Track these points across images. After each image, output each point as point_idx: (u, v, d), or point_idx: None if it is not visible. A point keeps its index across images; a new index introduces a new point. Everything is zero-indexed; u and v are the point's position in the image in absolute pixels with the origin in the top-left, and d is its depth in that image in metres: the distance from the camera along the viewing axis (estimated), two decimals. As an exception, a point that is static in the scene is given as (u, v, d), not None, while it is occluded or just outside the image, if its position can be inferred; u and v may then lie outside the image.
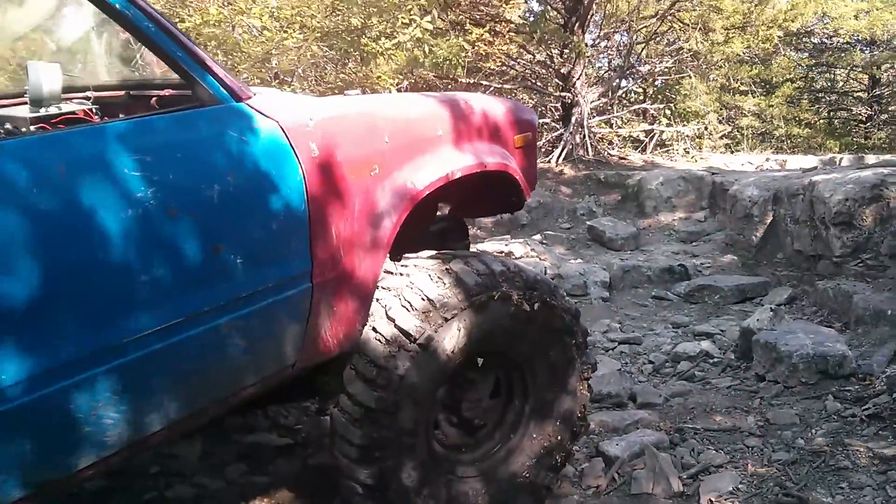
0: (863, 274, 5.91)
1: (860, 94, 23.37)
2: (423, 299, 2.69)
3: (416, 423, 2.73)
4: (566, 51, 11.54)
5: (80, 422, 1.97)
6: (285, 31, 9.04)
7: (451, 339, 2.73)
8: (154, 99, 2.89)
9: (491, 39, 10.55)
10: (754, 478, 3.50)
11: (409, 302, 2.69)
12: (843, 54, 20.84)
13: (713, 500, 3.32)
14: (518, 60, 12.34)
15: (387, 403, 2.63)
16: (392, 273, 2.86)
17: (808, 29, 15.82)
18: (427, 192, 2.84)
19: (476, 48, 10.41)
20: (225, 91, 2.33)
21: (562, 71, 11.68)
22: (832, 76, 23.28)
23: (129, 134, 2.07)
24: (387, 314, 2.70)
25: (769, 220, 7.60)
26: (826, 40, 19.22)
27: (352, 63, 11.63)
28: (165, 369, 2.15)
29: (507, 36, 11.12)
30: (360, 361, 2.67)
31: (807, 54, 20.62)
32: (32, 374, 1.84)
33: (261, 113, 2.39)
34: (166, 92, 2.88)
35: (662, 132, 13.25)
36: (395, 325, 2.66)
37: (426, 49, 9.31)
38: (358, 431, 2.66)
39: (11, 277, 1.79)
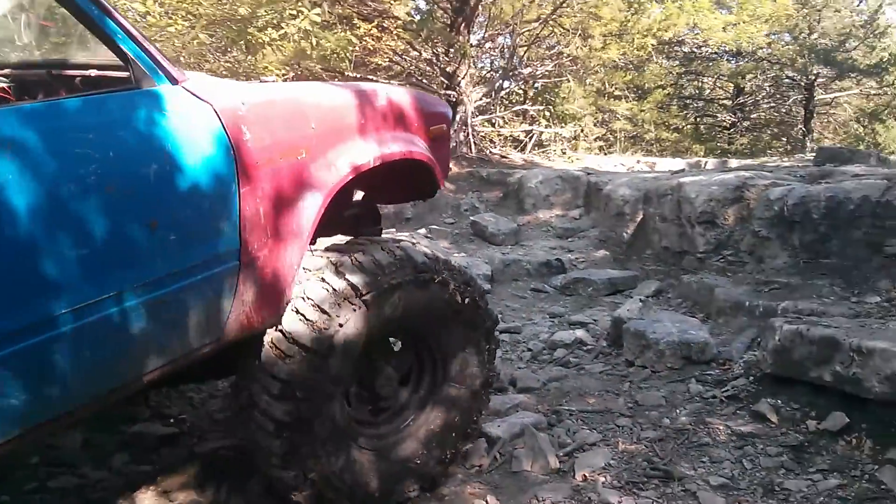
0: (724, 269, 6.34)
1: (725, 101, 24.74)
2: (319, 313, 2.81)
3: (332, 390, 2.88)
4: (452, 50, 11.72)
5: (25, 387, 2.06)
6: (170, 18, 8.80)
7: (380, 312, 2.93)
8: (79, 79, 2.88)
9: (378, 35, 10.62)
10: (625, 454, 3.73)
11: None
12: (710, 64, 22.03)
13: (587, 475, 3.52)
14: (404, 57, 12.44)
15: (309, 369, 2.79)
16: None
17: (680, 39, 16.62)
18: (351, 177, 2.96)
19: (363, 43, 10.45)
20: (161, 73, 2.39)
21: (447, 70, 11.86)
22: (700, 84, 24.54)
23: (70, 113, 2.17)
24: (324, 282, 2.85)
25: (639, 219, 8.00)
26: (696, 50, 20.21)
27: (236, 52, 11.44)
28: (94, 344, 2.20)
29: (394, 32, 11.21)
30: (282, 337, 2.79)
31: (677, 63, 21.65)
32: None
33: (195, 96, 2.46)
34: (91, 72, 2.89)
35: (541, 133, 13.65)
36: (332, 293, 2.82)
37: (313, 41, 9.29)
38: (279, 406, 2.78)
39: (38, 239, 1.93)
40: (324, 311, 2.79)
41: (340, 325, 2.81)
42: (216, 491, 3.23)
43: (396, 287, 2.95)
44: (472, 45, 12.02)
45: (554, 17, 12.34)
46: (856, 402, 3.70)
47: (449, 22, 11.82)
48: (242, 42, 10.86)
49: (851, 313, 4.46)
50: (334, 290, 2.83)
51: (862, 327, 3.97)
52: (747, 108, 23.91)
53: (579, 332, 5.65)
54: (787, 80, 23.67)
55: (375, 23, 10.53)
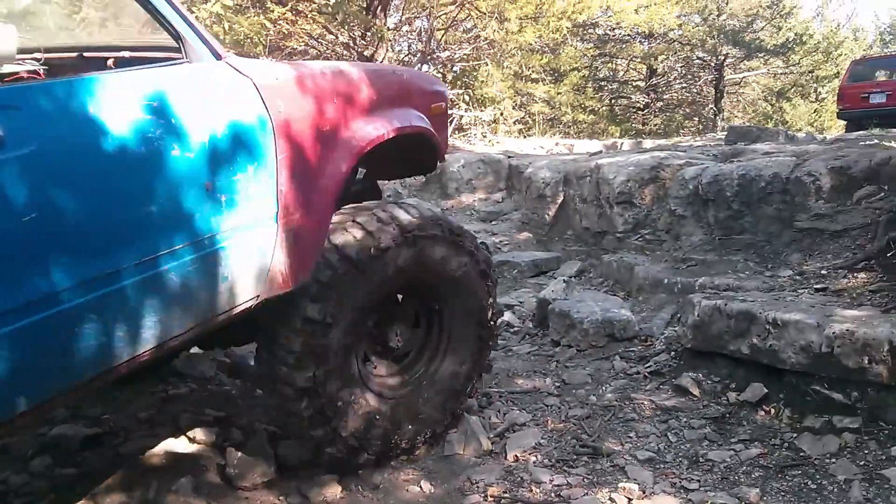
0: (642, 247, 6.50)
1: (639, 83, 25.26)
2: (364, 232, 3.13)
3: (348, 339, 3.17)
4: (369, 34, 11.63)
5: (122, 321, 2.32)
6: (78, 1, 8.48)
7: (386, 266, 3.18)
8: (111, 60, 3.03)
9: (293, 19, 10.45)
10: (554, 433, 3.79)
11: (353, 235, 3.11)
12: (623, 46, 22.44)
13: (518, 455, 3.57)
14: (320, 41, 12.28)
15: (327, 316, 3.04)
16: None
17: (594, 21, 16.89)
18: (369, 148, 3.24)
19: (278, 27, 10.26)
20: (208, 50, 2.66)
21: (364, 53, 11.76)
22: (614, 66, 24.99)
23: (173, 75, 2.53)
24: (335, 245, 3.08)
25: (560, 200, 8.12)
26: (609, 32, 20.55)
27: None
28: (183, 283, 2.49)
29: (309, 16, 11.04)
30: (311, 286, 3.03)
31: (591, 45, 21.97)
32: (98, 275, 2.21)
33: (237, 70, 2.75)
34: (124, 54, 3.05)
35: (461, 117, 13.67)
36: (340, 254, 3.07)
37: (226, 26, 9.08)
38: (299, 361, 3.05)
39: (16, 219, 2.00)
40: (349, 259, 3.07)
41: (381, 250, 3.14)
42: (145, 491, 3.15)
43: (432, 238, 3.33)
44: (389, 29, 11.94)
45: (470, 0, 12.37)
46: (773, 372, 3.84)
47: (365, 5, 11.71)
48: (152, 28, 10.55)
49: (766, 287, 4.63)
50: (357, 238, 3.10)
51: (776, 300, 4.12)
52: (660, 89, 24.48)
53: (506, 315, 5.69)
54: (697, 61, 24.35)
55: (290, 6, 10.35)
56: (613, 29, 19.53)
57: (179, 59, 2.60)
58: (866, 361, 3.43)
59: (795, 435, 3.52)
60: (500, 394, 4.29)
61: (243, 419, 3.81)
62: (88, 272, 2.19)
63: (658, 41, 21.92)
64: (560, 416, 3.97)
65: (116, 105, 2.27)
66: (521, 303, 6.03)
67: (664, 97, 24.87)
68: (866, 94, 15.84)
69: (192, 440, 3.53)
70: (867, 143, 7.21)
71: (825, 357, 3.56)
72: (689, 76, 24.93)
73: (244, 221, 2.69)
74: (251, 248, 2.76)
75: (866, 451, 3.31)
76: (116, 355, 2.35)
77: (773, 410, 3.74)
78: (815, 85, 26.49)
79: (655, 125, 23.72)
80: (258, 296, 2.86)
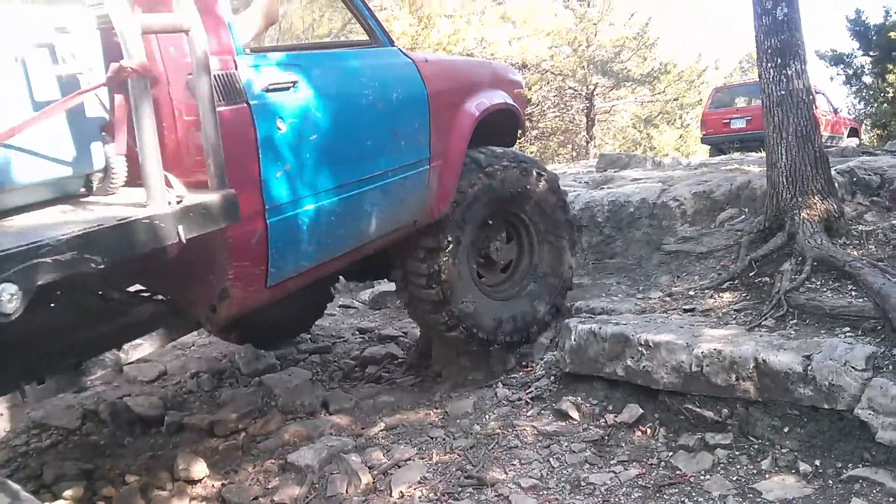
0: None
1: (514, 112, 25.73)
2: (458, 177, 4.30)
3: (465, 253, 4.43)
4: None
5: (338, 222, 3.48)
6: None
7: (476, 198, 4.42)
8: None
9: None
10: (439, 465, 3.77)
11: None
12: (498, 76, 22.85)
13: (404, 491, 3.53)
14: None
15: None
16: None
17: (469, 52, 17.18)
18: (482, 116, 4.42)
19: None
20: (386, 39, 4.00)
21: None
22: (490, 96, 25.36)
23: (373, 55, 3.91)
24: None
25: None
26: (484, 63, 20.86)
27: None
28: (381, 200, 3.73)
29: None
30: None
31: (468, 75, 22.24)
32: (331, 186, 3.38)
33: (403, 53, 4.10)
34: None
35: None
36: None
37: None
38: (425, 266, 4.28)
39: (344, 137, 3.44)
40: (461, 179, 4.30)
41: (471, 186, 4.37)
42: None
43: (503, 168, 4.49)
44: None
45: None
46: (648, 393, 3.96)
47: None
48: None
49: (638, 309, 4.77)
50: (464, 163, 4.31)
51: (648, 322, 4.25)
52: (535, 118, 25.08)
53: (390, 347, 5.67)
54: (569, 91, 25.10)
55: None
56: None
57: (373, 45, 3.97)
58: (734, 379, 3.57)
59: (671, 453, 3.62)
60: (384, 429, 4.24)
61: (114, 470, 3.63)
62: (348, 176, 3.48)
63: (531, 71, 22.51)
64: (445, 448, 3.95)
65: (348, 67, 3.67)
66: (404, 333, 6.02)
67: (539, 125, 25.51)
68: (727, 120, 16.71)
69: (56, 497, 3.33)
70: (728, 167, 7.59)
71: (695, 376, 3.69)
72: (562, 105, 25.66)
73: (412, 161, 3.92)
74: (417, 182, 3.96)
75: (738, 466, 3.44)
76: (361, 237, 3.67)
77: (649, 430, 3.85)
78: (679, 112, 27.77)
79: (531, 153, 24.29)
80: (417, 220, 4.08)
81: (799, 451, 3.40)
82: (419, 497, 3.47)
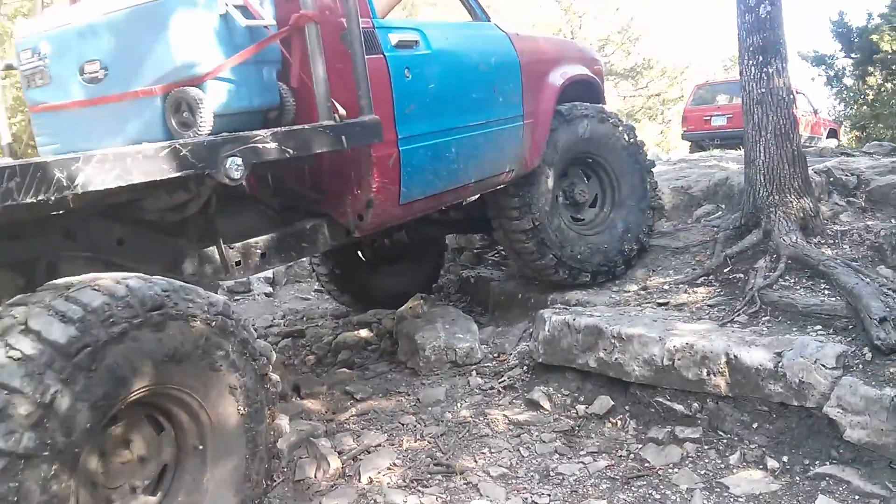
0: (498, 263, 6.59)
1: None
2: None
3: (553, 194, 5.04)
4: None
5: (451, 158, 4.15)
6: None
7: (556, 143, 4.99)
8: None
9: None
10: (409, 452, 3.76)
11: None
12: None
13: (372, 477, 3.51)
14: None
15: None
16: None
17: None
18: (566, 83, 5.04)
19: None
20: (485, 15, 4.70)
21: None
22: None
23: (474, 27, 4.65)
24: None
25: (420, 216, 8.13)
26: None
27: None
28: (484, 145, 4.35)
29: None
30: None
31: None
32: (445, 127, 4.09)
33: (498, 27, 4.72)
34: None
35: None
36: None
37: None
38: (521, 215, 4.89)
39: (454, 88, 4.17)
40: None
41: (553, 131, 4.94)
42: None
43: (583, 117, 5.09)
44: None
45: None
46: (619, 385, 3.97)
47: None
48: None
49: (612, 301, 4.78)
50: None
51: (621, 315, 4.26)
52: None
53: (363, 333, 5.64)
54: (553, 82, 25.07)
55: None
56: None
57: (475, 21, 4.67)
58: (705, 373, 3.59)
59: (640, 446, 3.64)
60: (355, 415, 4.22)
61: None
62: (459, 121, 4.17)
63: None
64: (415, 435, 3.94)
65: (456, 33, 4.38)
66: (379, 320, 5.97)
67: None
68: (708, 117, 16.78)
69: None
70: (707, 164, 7.61)
71: (667, 369, 3.71)
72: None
73: (509, 116, 4.55)
74: (513, 134, 4.58)
75: (706, 461, 3.46)
76: (470, 175, 4.29)
77: (619, 422, 3.86)
78: (661, 107, 27.89)
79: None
80: (514, 170, 4.63)
81: (767, 447, 3.42)
82: (388, 483, 3.45)
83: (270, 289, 7.06)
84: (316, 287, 7.21)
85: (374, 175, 3.71)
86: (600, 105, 5.35)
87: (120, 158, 2.46)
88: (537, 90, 4.80)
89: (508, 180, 4.69)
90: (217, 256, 3.43)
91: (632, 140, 5.36)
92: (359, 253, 5.97)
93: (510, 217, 4.89)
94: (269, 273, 7.17)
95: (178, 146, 2.64)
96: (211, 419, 2.63)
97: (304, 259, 7.57)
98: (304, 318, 6.40)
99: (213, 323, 2.61)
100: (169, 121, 3.08)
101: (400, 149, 3.81)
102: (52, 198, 2.26)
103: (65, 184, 2.29)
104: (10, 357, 2.06)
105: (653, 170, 5.57)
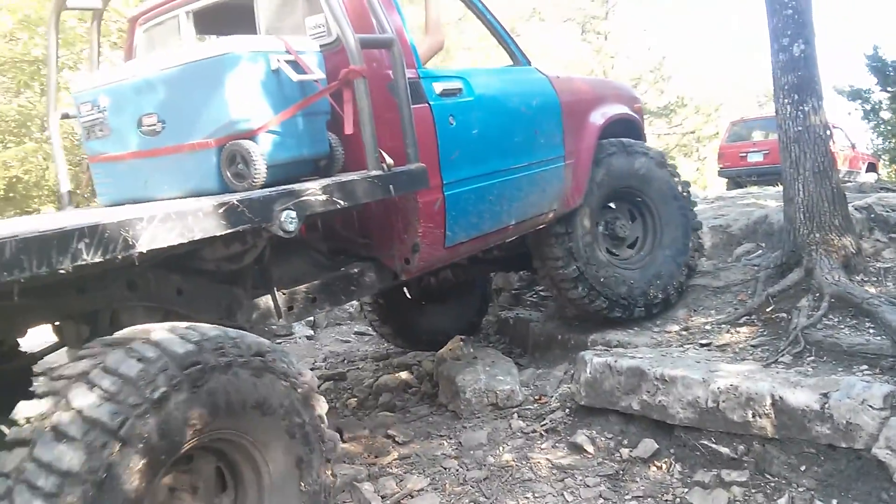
0: (537, 304, 6.60)
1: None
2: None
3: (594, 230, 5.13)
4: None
5: (495, 201, 4.28)
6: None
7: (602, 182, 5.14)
8: None
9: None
10: (452, 496, 3.76)
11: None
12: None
13: (416, 521, 3.53)
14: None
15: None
16: None
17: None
18: (606, 123, 5.14)
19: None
20: (525, 59, 4.83)
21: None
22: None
23: (516, 72, 4.81)
24: None
25: (458, 258, 8.18)
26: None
27: (30, 93, 10.75)
28: (527, 187, 4.49)
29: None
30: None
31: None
32: (489, 171, 4.23)
33: (539, 71, 4.87)
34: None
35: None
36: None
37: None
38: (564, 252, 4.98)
39: (497, 132, 4.32)
40: None
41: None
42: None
43: (612, 154, 5.16)
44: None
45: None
46: (663, 427, 3.94)
47: None
48: (37, 84, 10.24)
49: (654, 342, 4.76)
50: None
51: (664, 356, 4.24)
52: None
53: (404, 375, 5.67)
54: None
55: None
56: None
57: (515, 65, 4.83)
58: (750, 415, 3.55)
59: (686, 490, 3.60)
60: (398, 458, 4.23)
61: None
62: (502, 164, 4.30)
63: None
64: (458, 480, 3.94)
65: (498, 79, 4.57)
66: (418, 362, 6.00)
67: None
68: (744, 154, 16.71)
69: None
70: (745, 201, 7.59)
71: (712, 412, 3.68)
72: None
73: (551, 157, 4.68)
74: (555, 175, 4.71)
75: (753, 504, 3.41)
76: (513, 216, 4.42)
77: (664, 466, 3.82)
78: (696, 144, 27.80)
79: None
80: (555, 210, 4.77)
81: (816, 490, 3.36)
82: (432, 528, 3.46)
83: (311, 332, 7.13)
84: (356, 330, 7.28)
85: (420, 220, 3.83)
86: (634, 144, 5.38)
87: (181, 217, 2.58)
88: (578, 130, 4.92)
89: (550, 220, 4.81)
90: (270, 303, 3.55)
91: (663, 167, 5.38)
92: (405, 290, 6.05)
93: (552, 261, 4.99)
94: (309, 317, 7.24)
95: (235, 203, 2.76)
96: (272, 484, 2.70)
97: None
98: (345, 361, 6.45)
99: (300, 390, 2.74)
100: (224, 172, 3.22)
101: (445, 194, 3.93)
102: (119, 256, 2.39)
103: (130, 243, 2.42)
104: (132, 357, 2.30)
105: (699, 231, 5.59)
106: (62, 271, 2.26)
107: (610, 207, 5.37)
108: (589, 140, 4.98)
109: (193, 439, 2.39)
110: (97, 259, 2.33)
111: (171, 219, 2.55)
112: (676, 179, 5.39)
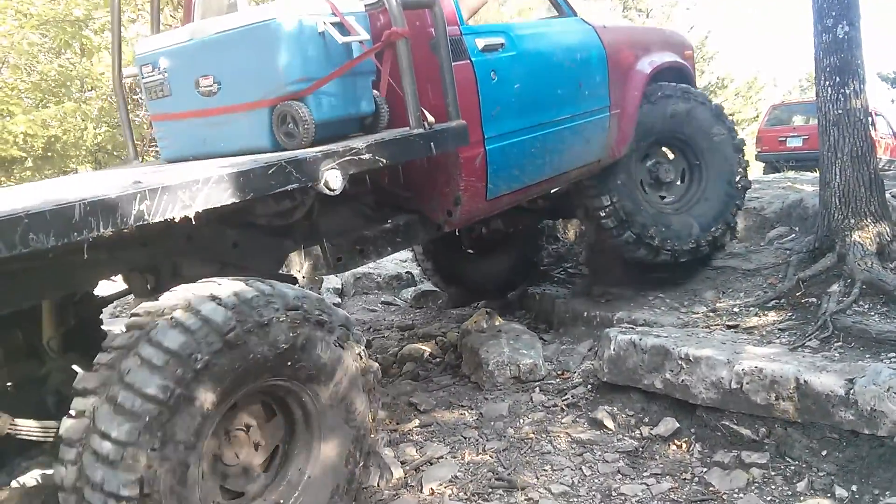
0: (564, 280, 6.59)
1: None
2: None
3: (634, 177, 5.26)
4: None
5: (537, 154, 4.36)
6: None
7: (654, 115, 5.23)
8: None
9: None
10: (471, 465, 3.79)
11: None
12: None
13: (434, 488, 3.56)
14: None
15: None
16: None
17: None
18: (654, 72, 5.14)
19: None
20: (571, 10, 4.89)
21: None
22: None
23: (560, 23, 4.84)
24: None
25: (487, 232, 8.17)
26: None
27: (71, 54, 10.85)
28: (570, 139, 4.53)
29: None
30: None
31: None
32: (531, 125, 4.29)
33: (584, 21, 4.89)
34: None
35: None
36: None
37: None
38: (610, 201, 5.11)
39: (540, 86, 4.34)
40: None
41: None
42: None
43: (664, 97, 5.22)
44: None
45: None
46: (685, 407, 3.93)
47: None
48: (78, 44, 10.33)
49: (680, 323, 4.74)
50: None
51: (689, 336, 4.22)
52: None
53: (428, 346, 5.69)
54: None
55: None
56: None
57: (561, 16, 4.88)
58: (774, 398, 3.53)
59: (705, 469, 3.59)
60: (419, 425, 4.27)
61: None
62: (544, 117, 4.35)
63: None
64: (477, 449, 3.97)
65: (541, 32, 4.58)
66: (443, 333, 6.03)
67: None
68: (784, 138, 16.44)
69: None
70: (781, 185, 7.47)
71: (735, 393, 3.66)
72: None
73: (595, 108, 4.70)
74: (599, 125, 4.73)
75: (773, 487, 3.40)
76: (556, 168, 4.52)
77: (684, 445, 3.82)
78: (735, 127, 27.40)
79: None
80: (600, 160, 4.83)
81: (836, 475, 3.34)
82: (449, 495, 3.49)
83: (339, 299, 7.17)
84: (383, 299, 7.32)
85: (462, 174, 3.94)
86: (688, 90, 5.39)
87: (234, 179, 2.72)
88: (625, 80, 4.93)
89: (596, 170, 4.91)
90: (321, 254, 3.77)
91: (716, 115, 5.42)
92: (458, 239, 6.28)
93: (595, 206, 5.11)
94: (337, 283, 7.30)
95: (283, 163, 2.89)
96: (319, 414, 2.94)
97: (370, 271, 7.72)
98: (371, 329, 6.49)
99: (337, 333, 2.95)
100: (276, 131, 3.38)
101: (486, 148, 4.02)
102: (178, 216, 2.55)
103: (188, 203, 2.58)
104: (172, 327, 2.46)
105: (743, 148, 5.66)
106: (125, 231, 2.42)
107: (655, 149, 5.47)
108: (636, 89, 5.00)
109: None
110: (157, 219, 2.49)
111: (225, 180, 2.69)
112: (715, 117, 5.43)
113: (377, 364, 3.23)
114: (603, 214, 5.06)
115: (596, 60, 4.74)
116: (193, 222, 2.64)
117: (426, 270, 6.66)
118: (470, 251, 6.52)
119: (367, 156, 3.19)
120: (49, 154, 10.93)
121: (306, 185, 3.01)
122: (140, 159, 4.85)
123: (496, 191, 4.16)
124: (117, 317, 6.08)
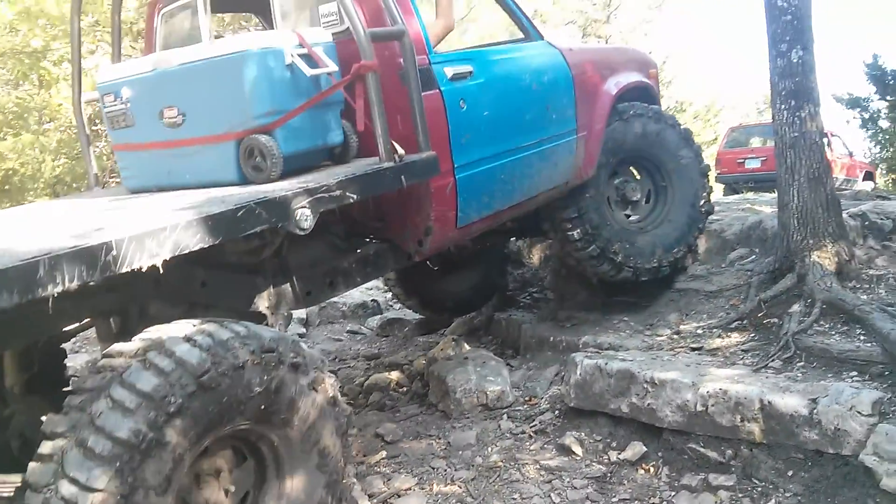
0: (530, 305, 6.59)
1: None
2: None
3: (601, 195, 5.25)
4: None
5: (506, 180, 4.37)
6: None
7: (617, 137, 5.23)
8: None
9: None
10: (439, 496, 3.75)
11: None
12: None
13: (402, 520, 3.52)
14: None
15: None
16: None
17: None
18: (620, 93, 5.18)
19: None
20: (537, 34, 4.91)
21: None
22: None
23: (527, 48, 4.81)
24: None
25: (452, 258, 8.17)
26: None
27: (28, 85, 10.72)
28: (538, 163, 4.56)
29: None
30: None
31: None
32: (500, 151, 4.30)
33: (551, 44, 4.90)
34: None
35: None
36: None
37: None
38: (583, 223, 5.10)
39: (508, 112, 4.35)
40: None
41: None
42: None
43: (635, 116, 5.28)
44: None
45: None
46: (652, 431, 3.93)
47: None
48: (36, 76, 10.22)
49: (645, 346, 4.75)
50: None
51: (654, 359, 4.24)
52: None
53: (395, 374, 5.65)
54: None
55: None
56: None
57: (527, 40, 4.86)
58: (739, 420, 3.55)
59: (673, 493, 3.59)
60: (386, 458, 4.22)
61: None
62: (513, 143, 4.35)
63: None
64: (446, 480, 3.93)
65: (508, 58, 4.61)
66: (410, 362, 5.99)
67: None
68: (742, 160, 16.70)
69: None
70: (741, 207, 7.57)
71: (700, 415, 3.67)
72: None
73: (562, 131, 4.72)
74: (566, 149, 4.76)
75: (740, 509, 3.40)
76: (525, 192, 4.53)
77: (652, 469, 3.82)
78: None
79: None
80: (568, 181, 4.85)
81: (802, 496, 3.36)
82: (417, 528, 3.45)
83: (304, 329, 7.11)
84: (348, 328, 7.26)
85: (433, 203, 3.94)
86: (643, 109, 5.40)
87: (202, 223, 2.68)
88: (591, 102, 4.97)
89: (564, 192, 4.94)
90: (289, 289, 3.71)
91: (677, 132, 5.48)
92: (427, 262, 6.18)
93: (564, 225, 5.14)
94: (301, 313, 7.22)
95: (253, 205, 2.86)
96: (291, 457, 2.88)
97: (336, 300, 7.66)
98: (336, 359, 6.43)
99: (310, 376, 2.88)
100: (243, 165, 3.39)
101: (456, 177, 4.03)
102: (145, 267, 2.52)
103: (156, 252, 2.54)
104: (146, 369, 2.39)
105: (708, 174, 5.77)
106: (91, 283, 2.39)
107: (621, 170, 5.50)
108: (602, 110, 5.04)
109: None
110: (124, 269, 2.44)
111: (193, 225, 2.65)
112: (677, 133, 5.48)
113: (350, 408, 3.18)
114: (569, 226, 5.08)
115: (563, 84, 4.78)
116: (161, 270, 2.60)
117: (398, 296, 6.66)
118: (434, 267, 6.44)
119: (337, 192, 3.17)
120: (6, 187, 10.76)
121: (276, 226, 2.99)
122: (101, 187, 4.77)
123: (466, 219, 4.17)
124: (76, 352, 5.97)
